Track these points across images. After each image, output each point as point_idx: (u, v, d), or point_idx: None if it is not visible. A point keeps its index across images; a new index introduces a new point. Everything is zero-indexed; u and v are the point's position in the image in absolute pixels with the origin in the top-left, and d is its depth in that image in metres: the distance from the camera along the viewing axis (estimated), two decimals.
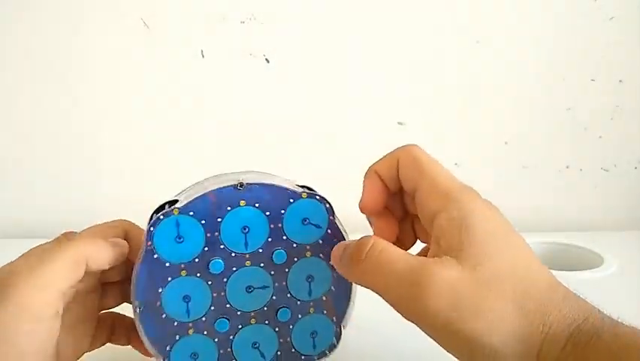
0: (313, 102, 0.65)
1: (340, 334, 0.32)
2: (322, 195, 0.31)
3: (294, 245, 0.31)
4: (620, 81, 0.66)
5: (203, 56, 0.63)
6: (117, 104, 0.64)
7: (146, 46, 0.62)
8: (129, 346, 0.33)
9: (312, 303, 0.32)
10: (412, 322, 0.25)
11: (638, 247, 0.61)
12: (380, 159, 0.31)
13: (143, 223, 0.33)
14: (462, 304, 0.24)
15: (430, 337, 0.25)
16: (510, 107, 0.66)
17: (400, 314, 0.26)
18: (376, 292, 0.26)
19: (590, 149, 0.68)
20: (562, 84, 0.66)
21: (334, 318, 0.32)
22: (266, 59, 0.63)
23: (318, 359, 0.33)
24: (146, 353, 0.31)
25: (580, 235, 0.61)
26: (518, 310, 0.24)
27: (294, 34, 0.63)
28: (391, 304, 0.26)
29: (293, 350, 0.32)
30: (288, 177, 0.32)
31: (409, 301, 0.25)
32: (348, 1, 0.63)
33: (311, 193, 0.30)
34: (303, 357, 0.32)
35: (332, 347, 0.33)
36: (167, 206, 0.29)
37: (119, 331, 0.33)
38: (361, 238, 0.28)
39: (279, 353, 0.32)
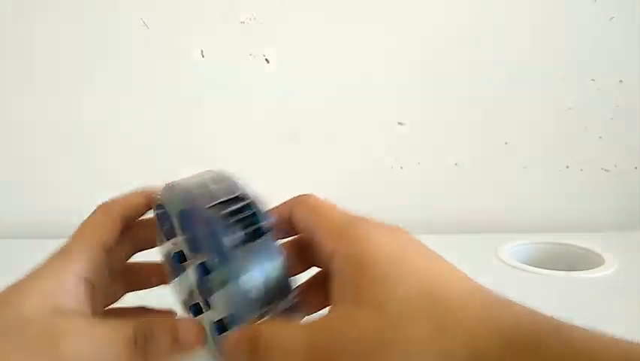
0: (313, 102, 0.65)
1: None
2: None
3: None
4: (620, 81, 0.66)
5: (203, 56, 0.63)
6: (117, 104, 0.64)
7: (146, 46, 0.62)
8: None
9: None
10: None
11: (638, 247, 0.61)
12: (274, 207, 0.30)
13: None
14: (374, 350, 0.22)
15: None
16: (510, 107, 0.66)
17: None
18: None
19: (590, 149, 0.68)
20: (562, 84, 0.66)
21: None
22: (266, 59, 0.63)
23: None
24: None
25: (580, 235, 0.61)
26: (437, 334, 0.22)
27: (294, 34, 0.63)
28: None
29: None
30: (289, 177, 0.32)
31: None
32: (349, 1, 0.63)
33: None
34: None
35: None
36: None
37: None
38: (240, 334, 0.25)
39: None
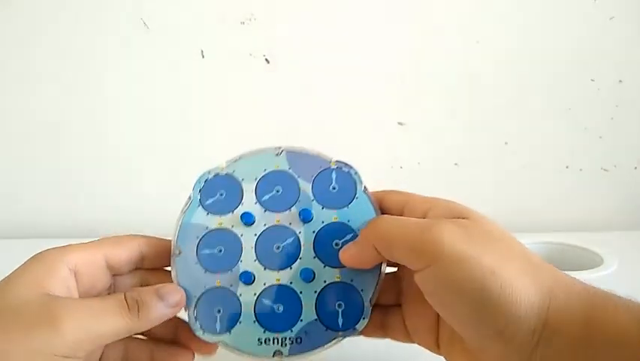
0: (313, 102, 0.65)
1: (369, 309, 0.31)
2: (352, 165, 0.34)
3: (322, 208, 0.33)
4: (620, 81, 0.66)
5: (203, 56, 0.63)
6: (117, 104, 0.64)
7: (146, 46, 0.62)
8: None
9: (338, 270, 0.32)
10: (422, 269, 0.25)
11: (638, 247, 0.61)
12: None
13: (144, 221, 0.33)
14: (474, 239, 0.25)
15: (439, 296, 0.26)
16: (510, 107, 0.66)
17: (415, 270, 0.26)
18: (393, 248, 0.27)
19: (590, 149, 0.68)
20: (562, 84, 0.66)
21: (362, 290, 0.31)
22: (266, 59, 0.63)
23: (343, 333, 0.31)
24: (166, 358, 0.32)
25: (580, 235, 0.61)
26: (527, 259, 0.25)
27: (294, 34, 0.63)
28: (403, 255, 0.27)
29: (316, 319, 0.31)
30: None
31: (419, 241, 0.25)
32: (349, 1, 0.63)
33: (340, 163, 0.34)
34: (326, 330, 0.31)
35: (360, 323, 0.31)
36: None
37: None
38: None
39: (301, 319, 0.31)
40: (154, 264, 0.32)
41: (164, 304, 0.29)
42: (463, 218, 0.27)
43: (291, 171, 0.33)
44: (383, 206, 0.32)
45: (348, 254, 0.30)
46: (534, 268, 0.24)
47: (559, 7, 0.64)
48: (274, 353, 0.31)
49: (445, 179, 0.67)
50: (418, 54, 0.64)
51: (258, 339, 0.31)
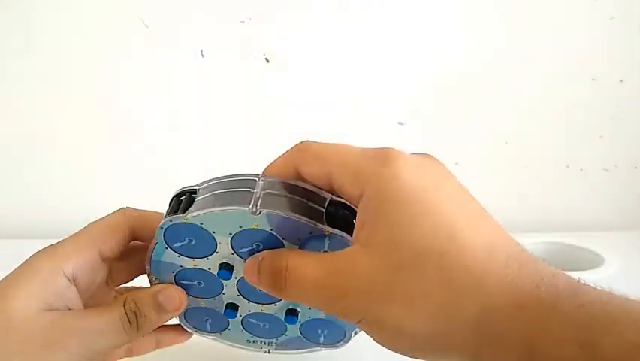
0: (313, 102, 0.65)
1: (350, 338, 0.32)
2: (348, 235, 0.26)
3: None
4: (620, 81, 0.66)
5: (203, 56, 0.63)
6: (117, 104, 0.64)
7: (146, 46, 0.62)
8: None
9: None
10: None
11: (638, 247, 0.61)
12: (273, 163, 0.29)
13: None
14: (376, 295, 0.22)
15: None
16: (510, 107, 0.66)
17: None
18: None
19: (590, 149, 0.68)
20: (562, 84, 0.66)
21: (346, 325, 0.32)
22: (266, 59, 0.63)
23: (323, 347, 0.33)
24: (171, 340, 0.34)
25: (580, 235, 0.61)
26: (445, 287, 0.21)
27: (294, 34, 0.63)
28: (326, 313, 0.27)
29: (299, 336, 0.33)
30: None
31: (329, 306, 0.24)
32: (348, 1, 0.63)
33: (334, 232, 0.27)
34: (308, 341, 0.33)
35: (340, 343, 0.33)
36: (184, 196, 0.29)
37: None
38: (271, 255, 0.26)
39: (286, 335, 0.33)
40: (149, 236, 0.31)
41: (163, 313, 0.29)
42: (381, 232, 0.23)
43: (273, 232, 0.27)
44: (301, 176, 0.28)
45: None
46: (454, 299, 0.21)
47: (559, 7, 0.64)
48: (262, 350, 0.34)
49: None
50: (417, 54, 0.64)
51: (247, 340, 0.34)
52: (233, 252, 0.29)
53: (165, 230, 0.28)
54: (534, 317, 0.20)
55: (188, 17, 0.62)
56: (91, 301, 0.30)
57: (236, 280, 0.30)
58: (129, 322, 0.28)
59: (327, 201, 0.28)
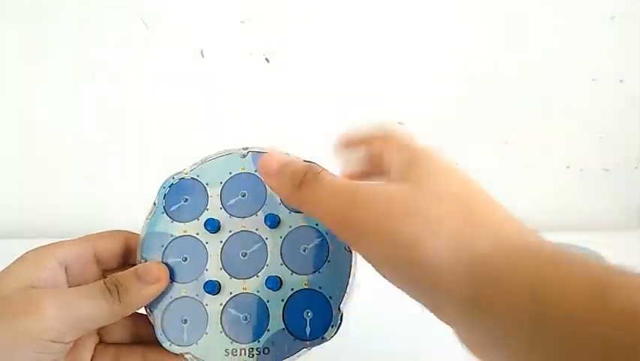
0: (313, 102, 0.65)
1: (338, 317, 0.30)
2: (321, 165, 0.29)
3: (289, 212, 0.31)
4: (621, 81, 0.66)
5: (203, 56, 0.63)
6: (117, 104, 0.64)
7: (146, 46, 0.62)
8: None
9: (306, 276, 0.31)
10: (350, 244, 0.26)
11: (638, 247, 0.61)
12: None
13: (142, 221, 0.33)
14: (395, 208, 0.23)
15: (369, 260, 0.24)
16: (510, 107, 0.66)
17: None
18: (320, 220, 0.27)
19: (590, 149, 0.68)
20: (562, 84, 0.66)
21: (331, 297, 0.30)
22: (266, 59, 0.63)
23: (311, 343, 0.30)
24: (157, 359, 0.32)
25: (580, 234, 0.61)
26: (463, 217, 0.22)
27: (294, 34, 0.63)
28: (330, 228, 0.26)
29: (284, 328, 0.31)
30: None
31: (343, 214, 0.24)
32: (349, 1, 0.63)
33: (310, 163, 0.30)
34: (294, 339, 0.30)
35: (328, 331, 0.30)
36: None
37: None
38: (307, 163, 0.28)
39: (268, 329, 0.31)
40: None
41: (144, 283, 0.29)
42: (407, 177, 0.25)
43: (257, 173, 0.32)
44: (382, 160, 0.30)
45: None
46: (470, 231, 0.22)
47: (559, 6, 0.64)
48: None
49: None
50: (417, 54, 0.64)
51: (225, 350, 0.31)
52: (221, 206, 0.32)
53: (167, 191, 0.32)
54: (542, 262, 0.21)
55: (188, 17, 0.62)
56: None
57: (222, 245, 0.31)
58: (109, 291, 0.28)
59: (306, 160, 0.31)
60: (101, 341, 0.32)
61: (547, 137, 0.68)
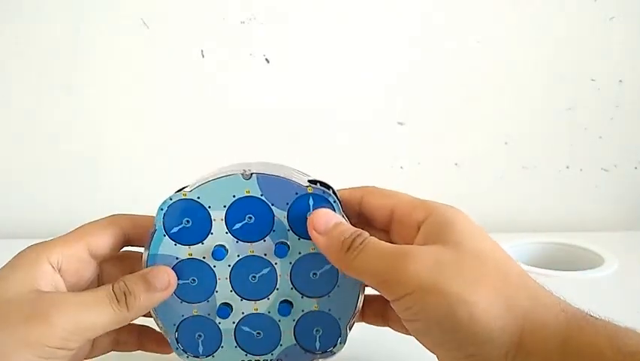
0: (313, 102, 0.65)
1: (346, 335, 0.32)
2: (330, 190, 0.30)
3: (299, 238, 0.31)
4: (620, 81, 0.66)
5: (203, 56, 0.63)
6: (117, 104, 0.64)
7: (146, 46, 0.62)
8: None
9: (316, 299, 0.32)
10: (394, 300, 0.26)
11: (638, 247, 0.61)
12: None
13: None
14: (443, 267, 0.25)
15: (408, 324, 0.26)
16: (510, 107, 0.66)
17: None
18: (364, 280, 0.28)
19: (590, 149, 0.68)
20: (562, 84, 0.66)
21: (340, 318, 0.32)
22: (266, 59, 0.63)
23: (321, 355, 0.32)
24: (156, 348, 0.33)
25: (580, 235, 0.61)
26: (501, 277, 0.25)
27: (294, 34, 0.63)
28: (376, 286, 0.27)
29: (295, 342, 0.32)
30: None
31: (391, 272, 0.26)
32: (349, 1, 0.63)
33: (317, 188, 0.30)
34: (305, 352, 0.32)
35: (337, 346, 0.32)
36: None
37: (128, 338, 0.33)
38: (354, 229, 0.29)
39: (281, 344, 0.32)
40: (141, 243, 0.31)
41: (153, 290, 0.29)
42: (447, 237, 0.27)
43: (263, 198, 0.30)
44: (364, 210, 0.31)
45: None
46: (510, 289, 0.25)
47: (559, 7, 0.64)
48: None
49: (445, 179, 0.67)
50: (418, 54, 0.64)
51: None
52: (227, 230, 0.30)
53: (165, 211, 0.30)
54: (571, 322, 0.24)
55: (188, 17, 0.62)
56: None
57: (230, 268, 0.31)
58: (117, 299, 0.28)
59: (308, 178, 0.31)
60: None
61: (547, 137, 0.68)
